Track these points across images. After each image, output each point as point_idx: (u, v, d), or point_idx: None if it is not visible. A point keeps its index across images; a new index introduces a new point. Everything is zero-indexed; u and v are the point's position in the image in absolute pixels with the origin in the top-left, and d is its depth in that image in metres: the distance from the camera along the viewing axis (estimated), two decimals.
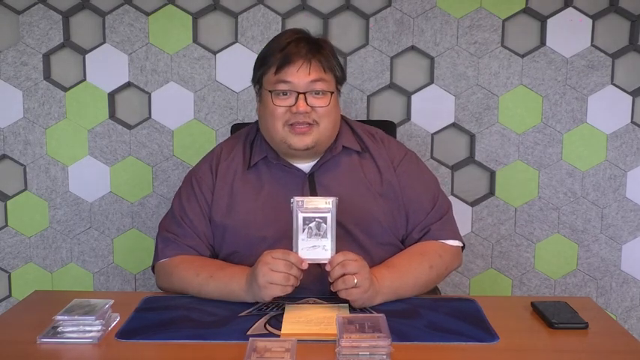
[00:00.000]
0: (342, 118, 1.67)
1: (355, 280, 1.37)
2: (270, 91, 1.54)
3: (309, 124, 1.54)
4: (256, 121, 1.69)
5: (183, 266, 1.54)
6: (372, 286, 1.41)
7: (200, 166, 1.68)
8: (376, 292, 1.43)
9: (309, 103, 1.52)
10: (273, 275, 1.36)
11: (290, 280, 1.38)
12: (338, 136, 1.63)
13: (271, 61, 1.54)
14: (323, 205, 1.39)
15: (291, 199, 1.40)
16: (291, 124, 1.54)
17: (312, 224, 1.38)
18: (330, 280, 1.40)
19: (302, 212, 1.38)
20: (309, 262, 1.39)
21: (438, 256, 1.58)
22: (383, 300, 1.45)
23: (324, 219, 1.38)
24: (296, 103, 1.52)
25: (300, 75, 1.52)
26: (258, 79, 1.60)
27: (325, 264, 1.39)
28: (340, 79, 1.61)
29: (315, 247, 1.39)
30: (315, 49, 1.55)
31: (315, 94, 1.53)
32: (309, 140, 1.55)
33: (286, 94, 1.53)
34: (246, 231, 1.56)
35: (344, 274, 1.38)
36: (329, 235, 1.38)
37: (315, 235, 1.38)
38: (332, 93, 1.56)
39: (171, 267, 1.57)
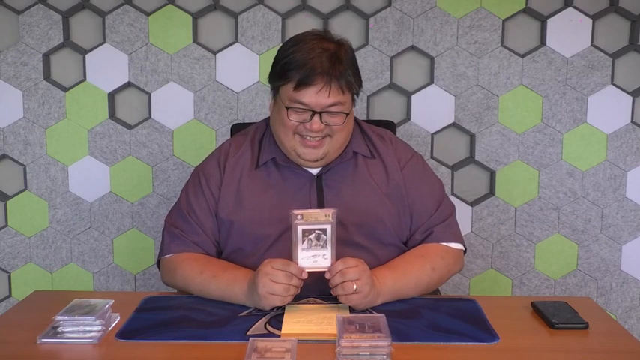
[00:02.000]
0: (354, 120, 1.66)
1: (355, 287, 1.37)
2: (286, 107, 1.52)
3: (321, 138, 1.53)
4: (266, 119, 1.69)
5: (187, 263, 1.54)
6: (373, 290, 1.41)
7: (208, 161, 1.68)
8: (377, 295, 1.43)
9: (324, 121, 1.51)
10: (273, 286, 1.37)
11: (290, 291, 1.38)
12: (349, 142, 1.62)
13: (291, 75, 1.50)
14: (323, 218, 1.38)
15: (290, 212, 1.38)
16: (302, 136, 1.53)
17: (312, 235, 1.38)
18: (330, 287, 1.40)
19: (301, 225, 1.37)
20: (309, 270, 1.39)
21: (439, 258, 1.57)
22: (384, 301, 1.45)
23: (324, 230, 1.38)
24: (310, 120, 1.51)
25: (319, 98, 1.49)
26: (275, 86, 1.58)
27: (325, 272, 1.39)
28: (357, 92, 1.59)
29: (315, 257, 1.38)
30: (336, 66, 1.50)
31: (331, 113, 1.52)
32: (320, 153, 1.55)
33: (301, 109, 1.52)
34: (250, 228, 1.57)
35: (344, 282, 1.38)
36: (329, 246, 1.38)
37: (315, 245, 1.38)
38: (347, 114, 1.54)
39: (175, 263, 1.57)
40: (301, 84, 1.49)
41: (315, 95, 1.49)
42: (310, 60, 1.49)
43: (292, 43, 1.55)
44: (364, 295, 1.38)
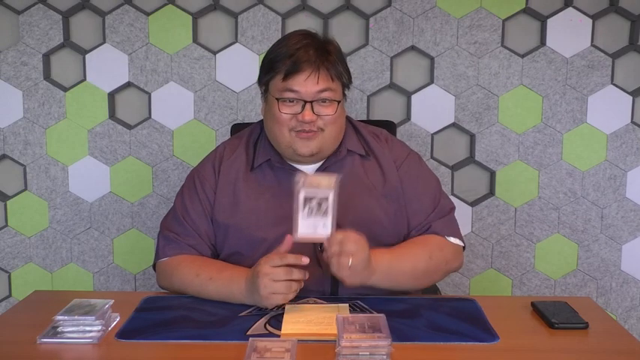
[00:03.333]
0: (347, 118, 1.67)
1: (350, 262, 1.35)
2: (277, 98, 1.54)
3: (314, 131, 1.54)
4: (260, 121, 1.69)
5: (184, 266, 1.54)
6: (368, 269, 1.40)
7: (203, 165, 1.68)
8: (372, 273, 1.42)
9: (316, 112, 1.52)
10: (275, 285, 1.36)
11: (292, 287, 1.37)
12: (342, 139, 1.63)
13: (279, 67, 1.52)
14: (325, 183, 1.36)
15: (294, 177, 1.38)
16: (297, 131, 1.54)
17: (313, 203, 1.36)
18: (326, 257, 1.38)
19: (303, 191, 1.35)
20: (308, 241, 1.38)
21: (438, 249, 1.57)
22: (377, 281, 1.44)
23: (326, 198, 1.36)
24: (302, 111, 1.51)
25: (308, 84, 1.51)
26: (264, 83, 1.59)
27: (323, 243, 1.38)
28: (347, 85, 1.60)
29: (315, 226, 1.36)
30: (324, 55, 1.53)
31: (322, 102, 1.53)
32: (314, 146, 1.55)
33: (292, 101, 1.53)
34: (247, 231, 1.56)
35: (341, 253, 1.36)
36: (329, 214, 1.36)
37: (316, 213, 1.37)
38: (339, 102, 1.56)
39: (171, 267, 1.57)
40: (290, 73, 1.50)
41: (304, 83, 1.50)
42: (297, 51, 1.51)
43: (278, 41, 1.59)
44: (356, 272, 1.37)
